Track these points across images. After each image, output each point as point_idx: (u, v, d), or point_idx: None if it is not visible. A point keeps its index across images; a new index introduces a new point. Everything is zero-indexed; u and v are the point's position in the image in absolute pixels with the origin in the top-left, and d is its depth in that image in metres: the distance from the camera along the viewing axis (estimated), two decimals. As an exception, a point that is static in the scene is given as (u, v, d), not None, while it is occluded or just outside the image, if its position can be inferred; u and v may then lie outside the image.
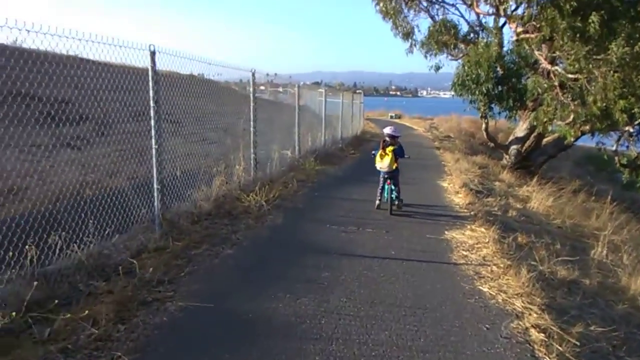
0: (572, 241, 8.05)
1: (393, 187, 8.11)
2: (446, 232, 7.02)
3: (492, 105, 17.41)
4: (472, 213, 8.35)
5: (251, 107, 8.80)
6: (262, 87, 19.16)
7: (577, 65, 11.82)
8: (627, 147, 17.81)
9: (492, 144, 19.59)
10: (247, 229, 6.33)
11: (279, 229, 6.59)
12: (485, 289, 4.84)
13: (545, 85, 12.91)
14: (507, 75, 15.72)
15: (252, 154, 8.88)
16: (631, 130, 15.64)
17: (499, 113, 18.47)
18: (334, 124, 16.96)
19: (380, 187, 8.31)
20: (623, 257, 7.13)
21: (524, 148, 19.01)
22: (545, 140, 19.35)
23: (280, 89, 16.16)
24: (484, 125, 18.96)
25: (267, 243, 5.95)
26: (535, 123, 15.06)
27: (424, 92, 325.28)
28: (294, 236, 6.33)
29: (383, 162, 7.94)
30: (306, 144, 13.14)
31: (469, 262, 5.66)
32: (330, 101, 17.63)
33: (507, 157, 19.39)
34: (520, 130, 18.83)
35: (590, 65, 11.69)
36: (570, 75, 12.43)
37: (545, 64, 13.61)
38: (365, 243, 6.22)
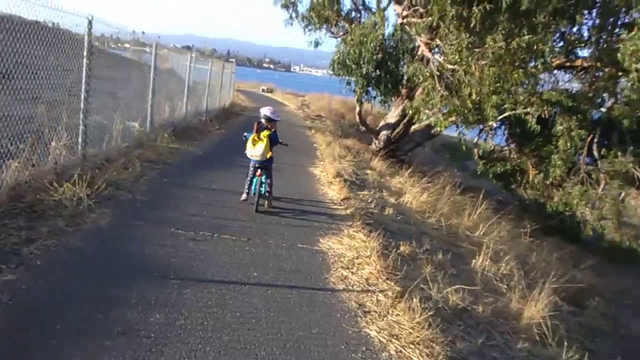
0: (450, 246, 7.44)
1: (263, 180, 6.78)
2: (321, 240, 5.85)
3: (369, 89, 16.84)
4: (348, 212, 7.32)
5: (84, 63, 6.69)
6: (127, 45, 16.38)
7: (457, 57, 11.41)
8: (485, 139, 18.65)
9: (363, 128, 19.15)
10: (51, 236, 4.44)
11: (101, 235, 4.77)
12: (373, 334, 3.71)
13: (428, 73, 12.41)
14: (385, 59, 15.11)
15: (80, 125, 6.80)
16: (494, 125, 16.07)
17: (374, 97, 18.04)
18: (199, 94, 14.96)
19: (248, 178, 6.92)
20: (502, 268, 6.63)
21: (394, 134, 18.88)
22: (412, 128, 19.44)
23: (148, 50, 13.74)
24: (357, 108, 18.41)
25: (75, 261, 4.15)
26: (409, 111, 14.66)
27: (297, 68, 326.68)
28: (121, 248, 4.59)
29: (255, 149, 6.57)
30: (163, 114, 11.11)
31: (350, 288, 4.52)
32: (199, 67, 15.55)
33: (377, 142, 19.12)
34: (392, 116, 18.58)
35: (469, 58, 11.34)
36: (449, 66, 12.04)
37: (426, 52, 13.14)
38: (220, 258, 4.75)
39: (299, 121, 21.94)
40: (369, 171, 12.05)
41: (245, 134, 6.88)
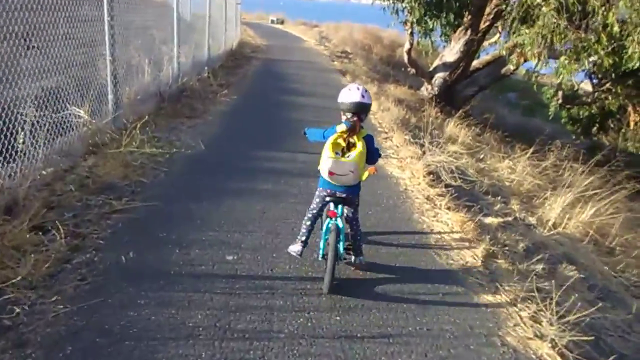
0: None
1: (341, 227, 3.31)
2: None
3: (427, 19, 12.51)
4: (501, 286, 3.51)
5: None
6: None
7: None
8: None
9: (412, 70, 14.83)
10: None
11: None
12: None
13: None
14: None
15: None
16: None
17: (431, 30, 13.76)
18: (196, 39, 10.67)
19: (309, 217, 3.48)
20: None
21: (452, 77, 14.60)
22: (473, 65, 15.18)
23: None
24: (407, 45, 14.06)
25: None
26: (502, 51, 10.45)
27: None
28: None
29: (342, 165, 3.18)
30: (139, 80, 7.07)
31: None
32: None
33: (429, 87, 14.94)
34: (451, 53, 14.21)
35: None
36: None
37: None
38: None
39: (326, 62, 17.56)
40: (451, 146, 8.06)
41: (307, 129, 3.63)
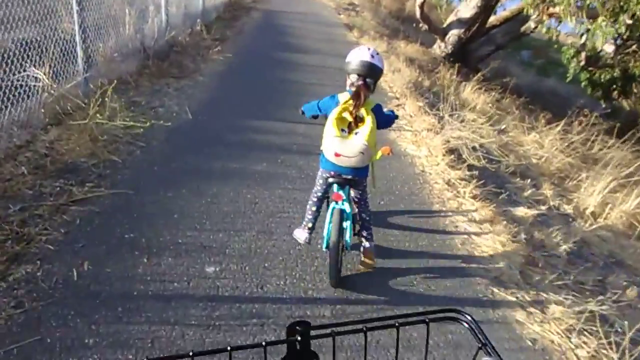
0: None
1: (348, 212, 2.85)
2: None
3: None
4: (547, 307, 2.82)
5: None
6: None
7: None
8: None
9: (424, 26, 13.71)
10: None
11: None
12: None
13: None
14: None
15: None
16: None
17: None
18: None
19: (313, 202, 3.00)
20: None
21: (467, 34, 13.53)
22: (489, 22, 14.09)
23: None
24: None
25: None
26: (529, 9, 9.42)
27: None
28: None
29: (348, 144, 2.62)
30: (114, 37, 6.16)
31: None
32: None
33: (443, 44, 13.92)
34: (467, 8, 13.11)
35: None
36: None
37: None
38: None
39: (331, 15, 16.37)
40: (468, 114, 7.25)
41: (305, 106, 3.05)
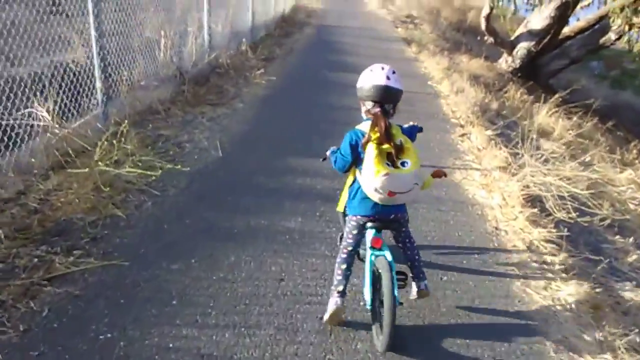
0: None
1: (390, 259, 2.37)
2: None
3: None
4: None
5: None
6: None
7: None
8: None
9: (490, 38, 12.56)
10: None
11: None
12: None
13: None
14: None
15: None
16: None
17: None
18: (236, 2, 9.08)
19: (345, 258, 2.50)
20: None
21: (538, 47, 12.26)
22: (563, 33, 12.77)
23: None
24: (486, 10, 11.85)
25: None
26: (616, 18, 8.25)
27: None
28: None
29: (403, 178, 2.27)
30: (144, 62, 5.63)
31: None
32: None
33: (510, 58, 12.76)
34: (539, 19, 11.91)
35: None
36: None
37: None
38: None
39: (389, 29, 15.53)
40: (549, 145, 6.19)
41: (332, 149, 2.68)
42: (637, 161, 6.54)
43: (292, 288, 2.81)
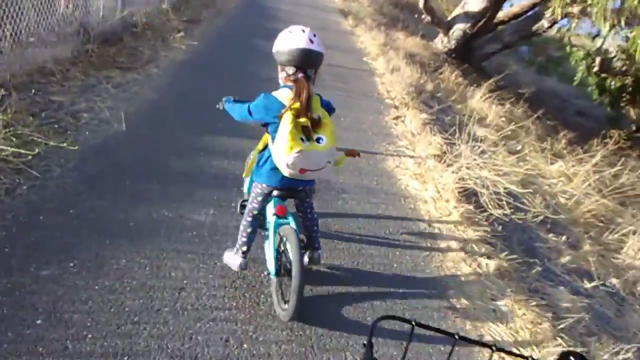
0: None
1: (294, 226, 2.36)
2: None
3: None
4: None
5: None
6: None
7: None
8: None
9: (427, 17, 12.36)
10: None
11: None
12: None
13: None
14: None
15: None
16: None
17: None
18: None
19: (250, 222, 2.44)
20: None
21: (473, 29, 12.26)
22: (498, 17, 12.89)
23: None
24: (424, -12, 11.58)
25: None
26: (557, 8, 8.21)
27: None
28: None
29: (317, 155, 2.13)
30: (39, 14, 4.78)
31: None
32: None
33: (446, 39, 12.69)
34: (477, 1, 11.84)
35: None
36: None
37: None
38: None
39: (327, 1, 14.93)
40: (482, 132, 6.03)
41: (225, 99, 2.46)
42: (565, 151, 6.57)
43: (195, 300, 2.34)
